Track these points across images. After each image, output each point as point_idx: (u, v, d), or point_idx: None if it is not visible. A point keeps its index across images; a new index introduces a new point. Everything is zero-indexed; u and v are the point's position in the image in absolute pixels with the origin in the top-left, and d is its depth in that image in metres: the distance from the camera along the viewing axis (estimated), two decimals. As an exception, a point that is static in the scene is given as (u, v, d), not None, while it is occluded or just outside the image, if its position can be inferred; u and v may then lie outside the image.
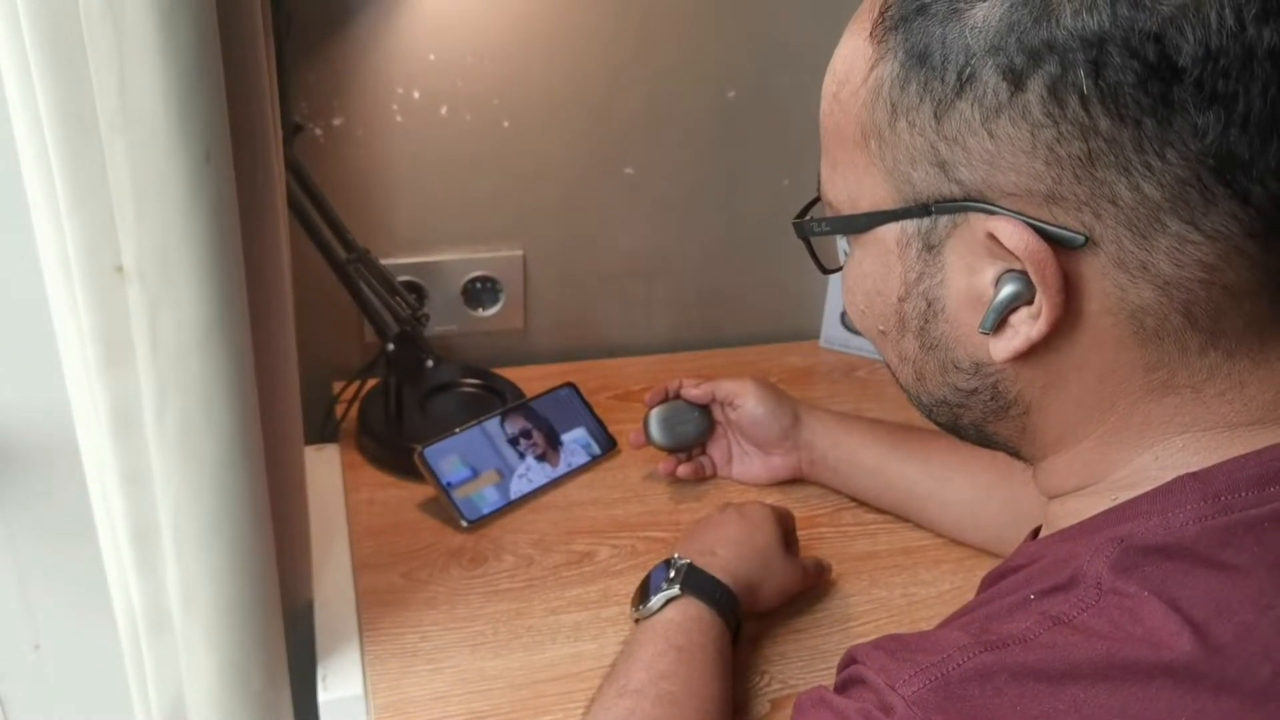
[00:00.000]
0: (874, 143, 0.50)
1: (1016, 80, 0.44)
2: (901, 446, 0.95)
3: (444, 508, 0.94)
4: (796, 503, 0.97)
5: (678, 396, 1.00)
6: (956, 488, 0.92)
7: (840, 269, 0.59)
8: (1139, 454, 0.50)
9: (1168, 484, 0.48)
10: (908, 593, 0.90)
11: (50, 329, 0.76)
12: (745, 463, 1.01)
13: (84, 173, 0.62)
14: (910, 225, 0.50)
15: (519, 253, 1.15)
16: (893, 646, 0.49)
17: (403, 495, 0.98)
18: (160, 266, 0.63)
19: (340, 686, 0.80)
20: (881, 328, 0.55)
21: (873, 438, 0.97)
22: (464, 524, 0.93)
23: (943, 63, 0.46)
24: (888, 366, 0.58)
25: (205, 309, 0.64)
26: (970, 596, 0.89)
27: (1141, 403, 0.49)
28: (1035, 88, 0.44)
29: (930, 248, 0.50)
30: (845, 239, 0.56)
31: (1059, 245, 0.46)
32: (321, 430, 1.08)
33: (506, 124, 1.08)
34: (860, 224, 0.52)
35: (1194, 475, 0.47)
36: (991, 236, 0.47)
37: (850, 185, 0.52)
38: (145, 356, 0.66)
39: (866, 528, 0.97)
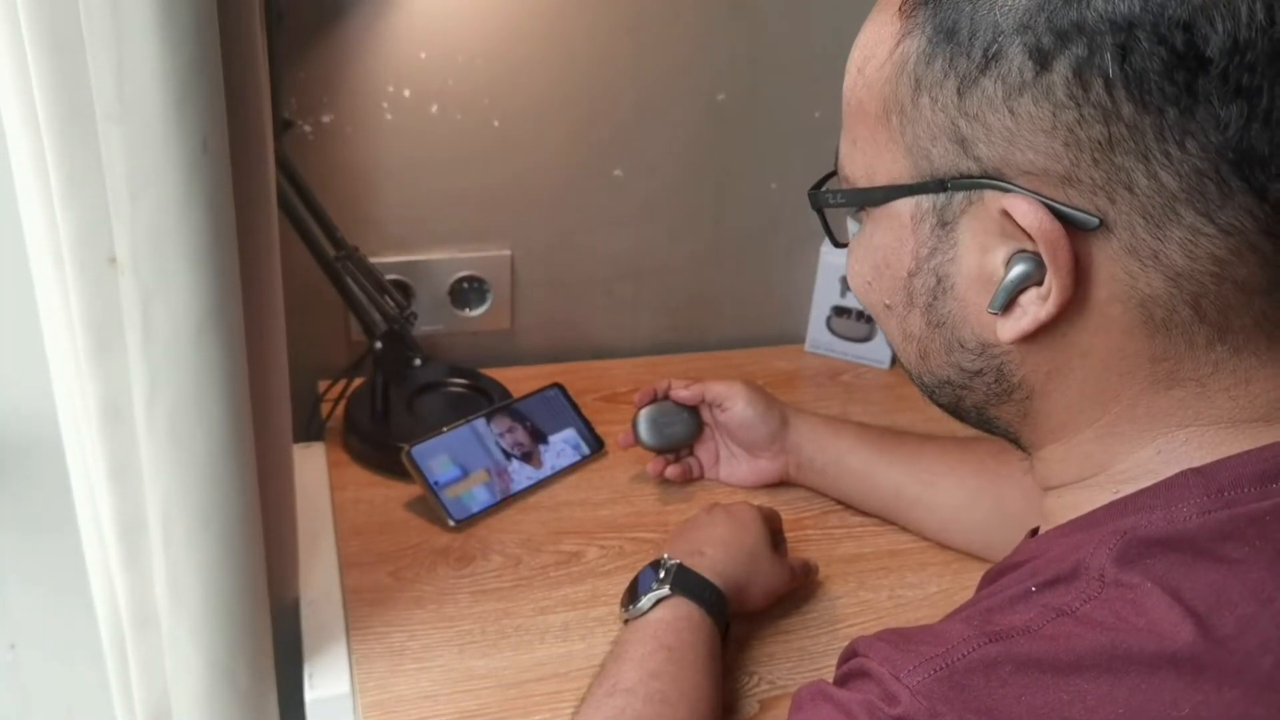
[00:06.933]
0: (895, 118, 0.50)
1: (1042, 60, 0.44)
2: (889, 450, 0.95)
3: (431, 507, 0.94)
4: (783, 505, 0.97)
5: (666, 397, 1.00)
6: (943, 491, 0.92)
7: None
8: (1141, 447, 0.50)
9: (1170, 478, 0.48)
10: (894, 595, 0.90)
11: (32, 319, 0.75)
12: (733, 465, 1.01)
13: (78, 162, 0.61)
14: (926, 200, 0.50)
15: (507, 253, 1.15)
16: (895, 639, 0.50)
17: (389, 494, 0.97)
18: (155, 258, 0.62)
19: (327, 685, 0.79)
20: (887, 302, 0.55)
21: (860, 441, 0.97)
22: (451, 523, 0.93)
23: (970, 39, 0.46)
24: (890, 345, 0.58)
25: (199, 301, 0.64)
26: (957, 599, 0.90)
27: (1146, 394, 0.49)
28: (1061, 69, 0.44)
29: (944, 224, 0.50)
30: (854, 215, 0.57)
31: (1072, 227, 0.46)
32: (307, 428, 1.07)
33: (497, 124, 1.08)
34: (876, 197, 0.53)
35: (1197, 470, 0.48)
36: (1005, 214, 0.47)
37: (869, 160, 0.53)
38: (137, 348, 0.65)
39: (853, 530, 0.97)
